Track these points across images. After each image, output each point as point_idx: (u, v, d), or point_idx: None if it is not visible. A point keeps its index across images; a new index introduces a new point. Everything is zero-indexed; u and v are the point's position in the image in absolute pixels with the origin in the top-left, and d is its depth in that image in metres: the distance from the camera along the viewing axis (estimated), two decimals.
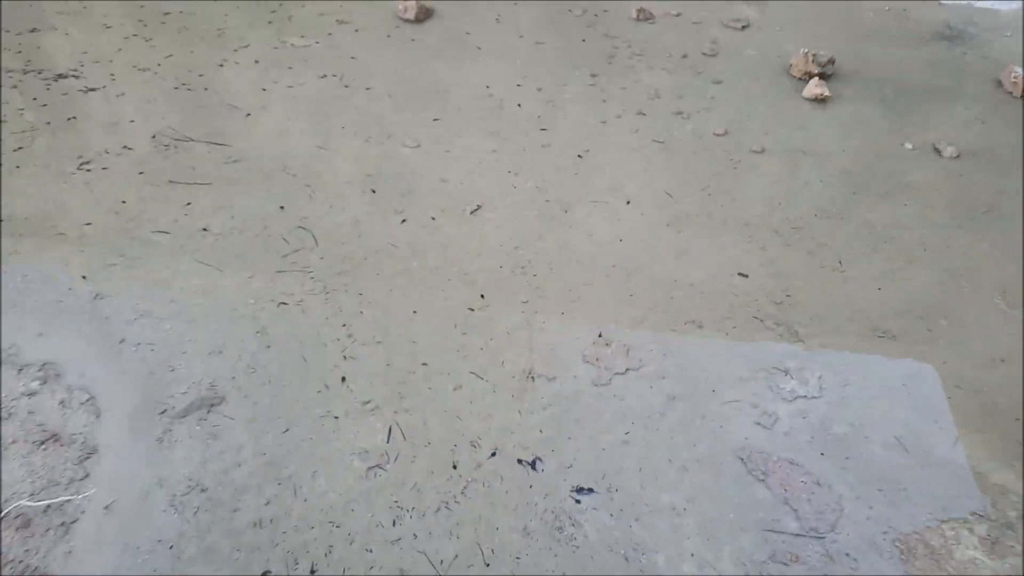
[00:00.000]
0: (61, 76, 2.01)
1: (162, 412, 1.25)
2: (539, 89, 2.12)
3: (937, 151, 1.87)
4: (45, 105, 1.89)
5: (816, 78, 2.09)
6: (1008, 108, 2.03)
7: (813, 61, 2.12)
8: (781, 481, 1.18)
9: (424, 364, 1.35)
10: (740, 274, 1.55)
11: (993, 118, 1.98)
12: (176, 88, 2.03)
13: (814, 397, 1.30)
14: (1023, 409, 1.27)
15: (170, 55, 2.15)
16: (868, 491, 1.17)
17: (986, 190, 1.75)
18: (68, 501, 1.12)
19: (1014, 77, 2.07)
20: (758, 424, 1.27)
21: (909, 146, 1.89)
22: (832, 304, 1.49)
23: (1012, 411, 1.28)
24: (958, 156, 1.85)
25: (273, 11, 2.43)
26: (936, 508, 1.15)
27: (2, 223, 1.56)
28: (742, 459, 1.22)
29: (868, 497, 1.16)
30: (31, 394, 1.25)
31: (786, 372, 1.34)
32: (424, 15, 2.44)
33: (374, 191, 1.73)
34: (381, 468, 1.18)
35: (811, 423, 1.26)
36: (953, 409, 1.29)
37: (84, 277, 1.46)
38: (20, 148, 1.75)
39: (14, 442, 1.19)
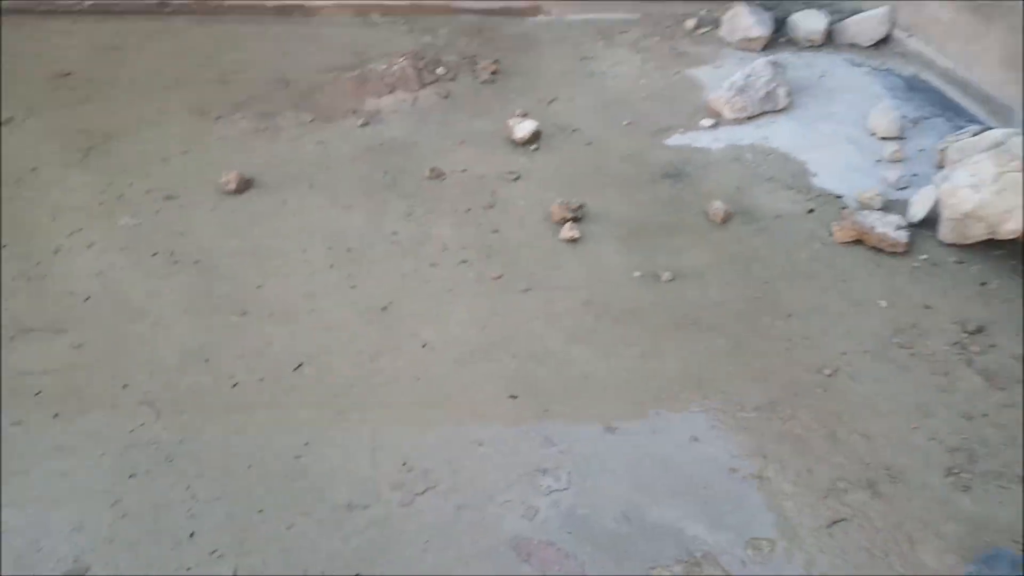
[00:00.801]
0: None
1: None
2: (348, 249, 2.53)
3: (657, 276, 2.44)
4: None
5: (570, 222, 2.63)
6: (713, 234, 2.65)
7: (567, 208, 2.67)
8: (541, 558, 1.60)
9: (260, 511, 1.67)
10: (511, 396, 1.99)
11: (700, 244, 2.59)
12: (13, 279, 2.27)
13: (564, 489, 1.74)
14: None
15: (6, 244, 2.39)
16: (602, 556, 1.61)
17: (691, 305, 2.32)
18: None
19: (715, 209, 2.71)
20: (523, 517, 1.68)
21: (637, 274, 2.45)
22: (580, 410, 1.96)
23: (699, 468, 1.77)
24: (673, 279, 2.43)
25: (103, 191, 2.73)
26: (647, 560, 1.60)
27: None
28: (512, 547, 1.62)
29: (601, 561, 1.60)
30: None
31: (545, 472, 1.78)
32: (244, 186, 2.81)
33: (207, 360, 2.05)
34: None
35: (561, 510, 1.70)
36: (661, 484, 1.77)
37: None
38: None
39: None
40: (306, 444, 1.84)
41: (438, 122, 3.30)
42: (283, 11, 4.21)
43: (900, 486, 1.80)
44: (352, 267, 2.44)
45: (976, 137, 2.74)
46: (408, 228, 2.63)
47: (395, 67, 3.64)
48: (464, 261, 2.49)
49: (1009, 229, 2.45)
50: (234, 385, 1.99)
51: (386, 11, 4.34)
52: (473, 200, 2.79)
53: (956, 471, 1.84)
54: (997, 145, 2.53)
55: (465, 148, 3.11)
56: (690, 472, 1.81)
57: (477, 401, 1.98)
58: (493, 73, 3.67)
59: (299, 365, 2.06)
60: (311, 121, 3.28)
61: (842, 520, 1.71)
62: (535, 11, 4.41)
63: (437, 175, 2.92)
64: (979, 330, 2.26)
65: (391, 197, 2.80)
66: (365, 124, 3.27)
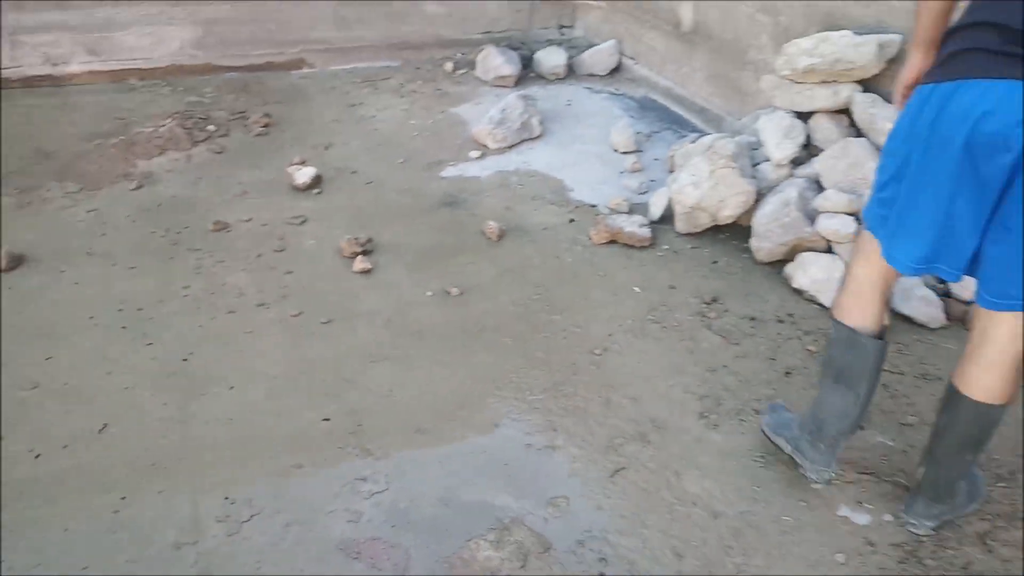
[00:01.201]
0: None
1: None
2: (139, 309, 2.53)
3: (447, 293, 2.68)
4: None
5: (360, 255, 2.81)
6: (491, 250, 2.94)
7: (356, 243, 2.85)
8: (369, 553, 1.75)
9: (84, 568, 1.68)
10: (324, 419, 2.12)
11: (481, 260, 2.87)
12: None
13: (384, 490, 1.91)
14: None
15: None
16: (424, 539, 1.79)
17: (479, 314, 2.58)
18: None
19: (490, 228, 3.01)
20: (349, 521, 1.83)
21: (429, 293, 2.67)
22: (391, 420, 2.13)
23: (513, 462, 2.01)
24: (461, 294, 2.68)
25: None
26: (464, 534, 1.80)
27: None
28: (342, 549, 1.76)
29: (424, 543, 1.78)
30: None
31: (364, 479, 1.93)
32: (15, 263, 2.70)
33: (2, 438, 1.99)
34: None
35: (383, 509, 1.86)
36: (470, 469, 1.99)
37: None
38: None
39: None
40: (123, 499, 1.85)
41: (216, 177, 3.36)
42: (29, 82, 4.04)
43: (664, 433, 2.15)
44: (146, 326, 2.45)
45: (694, 143, 3.27)
46: (199, 281, 2.67)
47: (163, 128, 3.64)
48: (261, 304, 2.58)
49: (726, 215, 2.96)
50: (37, 456, 1.95)
51: (144, 75, 4.30)
52: (263, 246, 2.89)
53: (706, 414, 2.23)
54: (709, 148, 3.05)
55: (247, 199, 3.20)
56: (494, 454, 2.04)
57: (291, 429, 2.09)
58: (265, 126, 3.78)
59: (103, 427, 2.06)
60: (80, 190, 3.20)
61: (621, 469, 2.02)
62: (299, 64, 4.57)
63: (222, 227, 2.98)
64: (714, 300, 2.72)
65: (177, 253, 2.82)
66: (139, 187, 3.25)
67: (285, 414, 2.14)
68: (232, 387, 2.23)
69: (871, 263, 1.71)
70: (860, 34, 2.78)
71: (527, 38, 5.06)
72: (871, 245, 1.70)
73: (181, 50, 4.35)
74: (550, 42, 5.08)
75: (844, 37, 2.75)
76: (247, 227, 3.01)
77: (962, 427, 1.72)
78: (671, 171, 3.38)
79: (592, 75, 4.79)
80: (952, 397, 1.72)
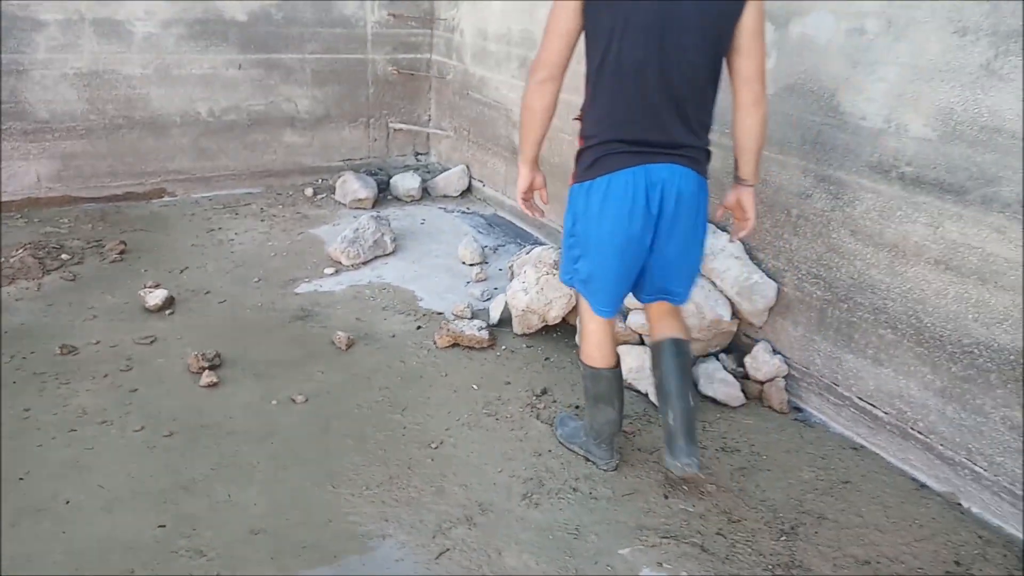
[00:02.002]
0: None
1: None
2: None
3: (292, 401, 2.82)
4: None
5: (207, 370, 2.92)
6: (340, 359, 3.12)
7: (203, 358, 2.96)
8: None
9: None
10: (159, 526, 2.19)
11: (329, 369, 3.04)
12: None
13: None
14: None
15: None
16: None
17: (323, 418, 2.73)
18: None
19: (339, 338, 3.20)
20: None
21: (274, 402, 2.81)
22: (227, 522, 2.21)
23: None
24: (306, 400, 2.83)
25: None
26: None
27: None
28: None
29: None
30: None
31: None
32: None
33: None
34: None
35: None
36: (310, 563, 2.09)
37: None
38: None
39: None
40: None
41: (66, 303, 3.42)
42: None
43: (490, 515, 2.33)
44: None
45: (528, 254, 3.62)
46: (41, 402, 2.71)
47: (14, 258, 3.68)
48: (104, 422, 2.64)
49: (553, 316, 3.28)
50: None
51: None
52: (110, 367, 2.95)
53: (529, 495, 2.43)
54: (536, 258, 3.40)
55: (97, 322, 3.27)
56: (325, 547, 2.16)
57: (125, 538, 2.14)
58: (121, 253, 3.89)
59: None
60: None
61: (446, 551, 2.18)
62: (160, 193, 4.73)
63: (69, 351, 3.04)
64: (544, 392, 2.99)
65: (20, 378, 2.85)
66: None
67: (120, 525, 2.19)
68: (68, 501, 2.26)
69: (595, 318, 2.36)
70: None
71: (385, 164, 5.45)
72: (585, 303, 2.37)
73: (38, 183, 4.44)
74: (407, 167, 5.48)
75: None
76: (95, 349, 3.07)
77: (673, 362, 2.34)
78: (511, 279, 3.70)
79: (446, 196, 5.18)
80: (658, 347, 2.39)
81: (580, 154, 2.18)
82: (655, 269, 2.24)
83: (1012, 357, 2.26)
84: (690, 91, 2.03)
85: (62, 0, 4.23)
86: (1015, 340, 2.24)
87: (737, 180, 2.29)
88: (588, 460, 2.58)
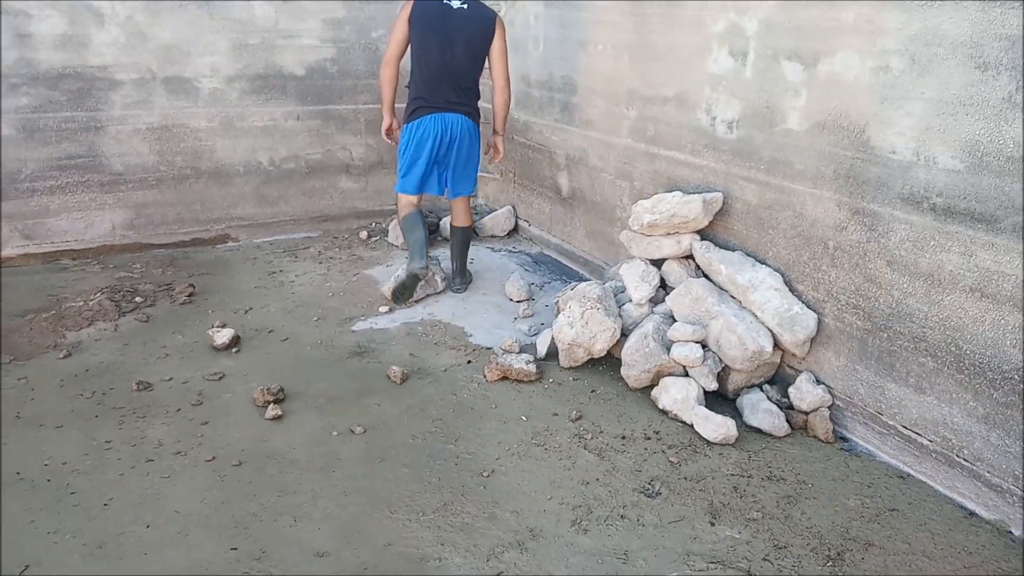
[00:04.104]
0: None
1: None
2: (63, 463, 2.74)
3: (351, 432, 2.97)
4: None
5: (272, 404, 3.10)
6: (395, 392, 3.27)
7: (268, 392, 3.15)
8: None
9: None
10: (232, 548, 2.34)
11: (385, 401, 3.19)
12: None
13: None
14: None
15: None
16: None
17: (380, 448, 2.88)
18: None
19: (394, 372, 3.35)
20: None
21: (335, 433, 2.97)
22: (293, 544, 2.36)
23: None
24: (364, 431, 2.98)
25: None
26: None
27: None
28: None
29: None
30: None
31: None
32: None
33: None
34: None
35: None
36: None
37: None
38: None
39: None
40: None
41: (141, 343, 3.65)
42: None
43: (540, 540, 2.43)
44: (69, 478, 2.65)
45: (573, 290, 3.75)
46: (120, 434, 2.91)
47: (92, 301, 3.95)
48: (179, 452, 2.83)
49: (599, 349, 3.39)
50: None
51: (76, 255, 4.66)
52: (182, 401, 3.16)
53: (578, 522, 2.52)
54: (580, 293, 3.52)
55: (169, 360, 3.49)
56: (388, 567, 2.29)
57: (200, 559, 2.30)
58: (190, 295, 4.13)
59: (25, 568, 2.23)
60: (10, 362, 3.45)
61: (500, 574, 2.28)
62: (224, 239, 5.01)
63: (144, 387, 3.25)
64: (591, 423, 3.09)
65: (101, 412, 3.07)
66: (67, 356, 3.52)
67: (195, 547, 2.35)
68: (148, 526, 2.44)
69: (403, 196, 4.08)
70: (688, 193, 3.37)
71: (435, 207, 5.65)
72: (402, 197, 4.10)
73: (112, 231, 4.75)
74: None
75: (675, 196, 3.34)
76: (168, 385, 3.28)
77: (459, 238, 4.30)
78: (557, 314, 3.82)
79: (493, 236, 5.36)
80: (453, 230, 4.34)
81: (407, 107, 3.93)
82: (449, 175, 4.03)
83: None
84: (462, 77, 3.82)
85: (136, 60, 4.56)
86: None
87: (494, 131, 4.16)
88: (409, 267, 3.95)
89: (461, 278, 4.31)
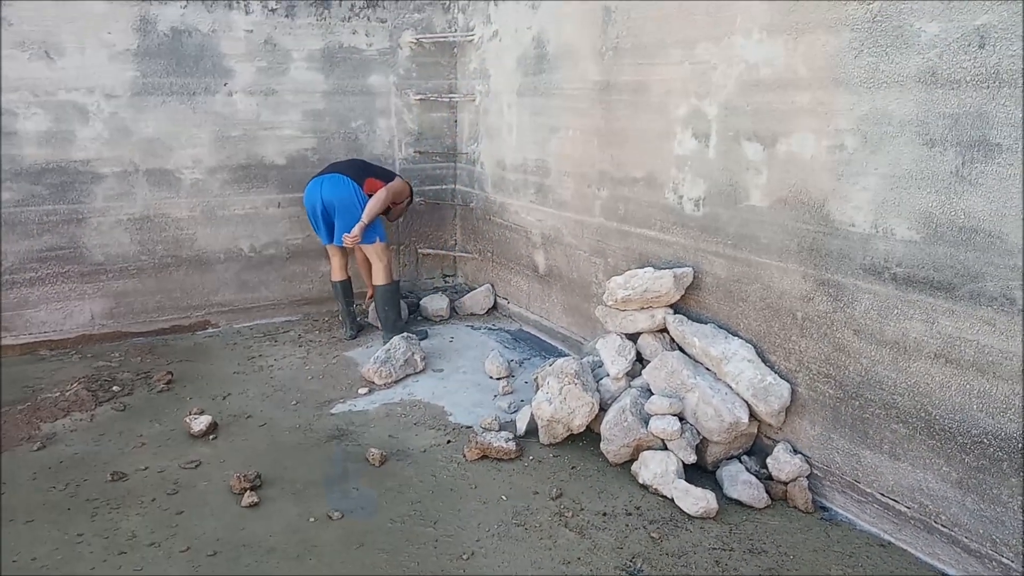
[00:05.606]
0: None
1: None
2: (33, 559, 2.68)
3: (329, 518, 2.94)
4: None
5: (249, 490, 3.07)
6: (373, 475, 3.25)
7: (244, 479, 3.11)
8: None
9: None
10: None
11: (364, 484, 3.16)
12: None
13: None
14: None
15: None
16: None
17: (358, 533, 2.84)
18: None
19: (373, 455, 3.33)
20: None
21: (312, 519, 2.93)
22: None
23: None
24: (343, 516, 2.94)
25: None
26: None
27: None
28: None
29: None
30: None
31: None
32: None
33: None
34: None
35: None
36: None
37: None
38: None
39: None
40: None
41: (117, 432, 3.62)
42: None
43: None
44: (38, 573, 2.59)
45: (551, 366, 3.78)
46: (93, 527, 2.86)
47: (68, 392, 3.93)
48: (152, 544, 2.77)
49: (577, 424, 3.40)
50: None
51: (55, 345, 4.65)
52: (157, 491, 3.11)
53: None
54: (558, 369, 3.55)
55: (146, 449, 3.46)
56: None
57: None
58: (168, 383, 4.12)
59: None
60: None
61: None
62: (204, 325, 5.02)
63: (119, 477, 3.21)
64: (572, 500, 3.07)
65: (74, 505, 3.01)
66: (41, 447, 3.47)
67: None
68: None
69: (331, 253, 4.90)
70: (659, 268, 3.45)
71: (415, 287, 5.72)
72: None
73: (92, 321, 4.76)
74: (436, 289, 5.75)
75: (647, 272, 3.42)
76: (143, 475, 3.24)
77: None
78: (536, 391, 3.84)
79: (472, 314, 5.41)
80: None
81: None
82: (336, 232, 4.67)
83: (1021, 445, 2.33)
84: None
85: (119, 154, 4.67)
86: (1020, 428, 2.32)
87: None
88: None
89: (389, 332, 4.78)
